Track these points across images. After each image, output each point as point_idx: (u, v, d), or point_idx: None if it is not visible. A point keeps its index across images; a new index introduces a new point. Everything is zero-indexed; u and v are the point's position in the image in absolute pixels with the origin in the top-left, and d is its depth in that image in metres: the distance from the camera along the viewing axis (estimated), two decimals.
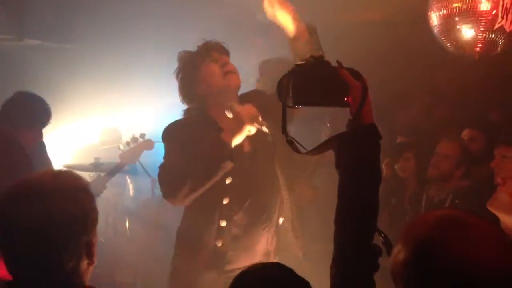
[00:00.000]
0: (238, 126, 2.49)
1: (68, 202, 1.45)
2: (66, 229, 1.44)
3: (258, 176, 2.69)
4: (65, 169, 1.55)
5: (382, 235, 1.56)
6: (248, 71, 3.93)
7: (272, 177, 2.76)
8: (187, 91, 2.72)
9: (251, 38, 5.33)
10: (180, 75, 2.74)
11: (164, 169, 2.58)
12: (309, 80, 1.63)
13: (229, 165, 2.47)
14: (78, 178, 1.55)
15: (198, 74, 2.67)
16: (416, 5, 3.34)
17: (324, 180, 4.19)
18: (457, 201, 3.55)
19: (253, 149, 2.68)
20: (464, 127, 4.02)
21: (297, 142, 1.68)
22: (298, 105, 1.67)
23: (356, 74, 1.63)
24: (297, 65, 1.66)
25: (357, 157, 1.57)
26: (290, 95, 1.64)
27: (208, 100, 2.67)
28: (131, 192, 5.06)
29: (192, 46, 2.77)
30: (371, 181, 1.58)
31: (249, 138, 2.56)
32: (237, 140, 2.51)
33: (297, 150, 1.68)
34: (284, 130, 1.68)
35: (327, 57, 1.69)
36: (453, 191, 3.63)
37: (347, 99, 1.60)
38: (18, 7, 4.85)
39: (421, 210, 3.88)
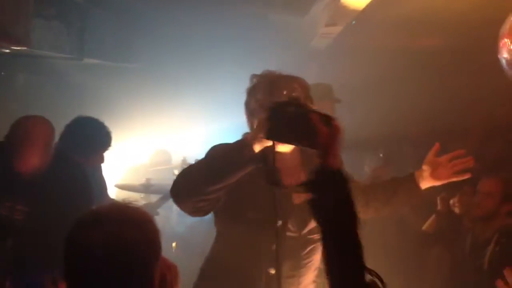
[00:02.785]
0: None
1: (137, 232, 1.46)
2: (135, 258, 1.45)
3: None
4: (131, 200, 1.54)
5: (372, 273, 1.58)
6: None
7: None
8: None
9: (305, 63, 5.32)
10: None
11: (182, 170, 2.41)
12: (282, 119, 1.76)
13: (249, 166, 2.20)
14: (144, 212, 1.55)
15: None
16: (484, 35, 3.23)
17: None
18: (503, 240, 3.39)
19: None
20: None
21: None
22: (270, 139, 1.82)
23: (326, 120, 1.68)
24: (275, 103, 1.81)
25: (328, 203, 1.60)
26: (265, 129, 1.81)
27: None
28: (176, 215, 5.05)
29: (249, 70, 2.70)
30: (350, 222, 1.60)
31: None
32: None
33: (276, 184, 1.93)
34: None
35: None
36: (499, 229, 3.47)
37: (315, 143, 1.66)
38: (80, 27, 4.98)
39: (466, 250, 3.73)
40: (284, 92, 2.28)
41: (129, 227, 1.46)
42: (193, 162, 3.87)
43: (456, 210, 3.96)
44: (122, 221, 1.47)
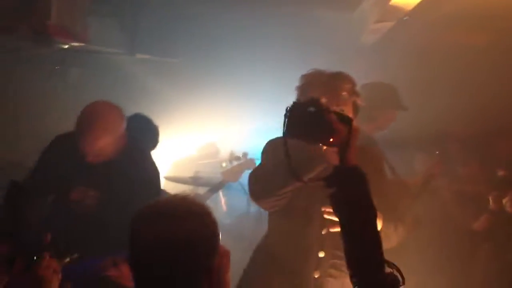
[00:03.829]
0: None
1: (199, 224, 1.50)
2: (198, 250, 1.49)
3: None
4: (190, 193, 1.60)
5: (392, 266, 1.68)
6: None
7: None
8: None
9: (353, 60, 5.29)
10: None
11: (255, 169, 2.58)
12: (301, 117, 1.86)
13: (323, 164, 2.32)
14: (202, 204, 1.59)
15: None
16: None
17: (425, 210, 4.07)
18: None
19: None
20: None
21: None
22: (289, 137, 1.90)
23: (345, 119, 1.82)
24: (294, 102, 1.91)
25: (346, 199, 1.71)
26: (285, 127, 1.88)
27: None
28: (224, 207, 5.13)
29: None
30: (367, 217, 1.70)
31: None
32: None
33: (298, 179, 2.00)
34: (288, 157, 1.91)
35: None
36: None
37: (332, 141, 1.80)
38: (132, 23, 5.11)
39: None
40: (339, 92, 2.41)
41: (191, 220, 1.50)
42: (241, 155, 3.97)
43: (509, 209, 3.90)
44: (184, 214, 1.51)
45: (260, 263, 2.72)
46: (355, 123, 1.83)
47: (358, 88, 3.84)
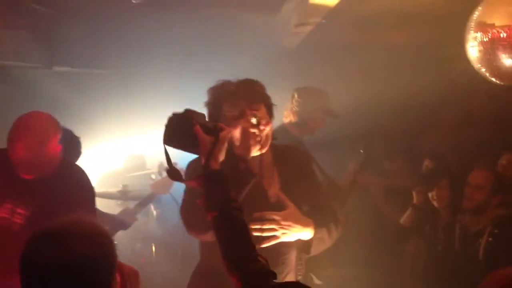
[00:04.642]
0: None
1: (89, 246, 1.47)
2: (86, 273, 1.46)
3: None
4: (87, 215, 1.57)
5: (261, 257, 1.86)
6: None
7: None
8: None
9: (278, 63, 5.33)
10: None
11: (183, 205, 2.53)
12: (174, 128, 2.08)
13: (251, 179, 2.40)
14: (97, 224, 1.57)
15: None
16: (453, 27, 3.28)
17: (355, 207, 4.14)
18: (496, 231, 3.47)
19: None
20: (501, 153, 3.93)
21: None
22: (166, 144, 2.09)
23: (211, 130, 2.05)
24: (173, 113, 2.10)
25: (212, 199, 1.96)
26: (163, 135, 2.09)
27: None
28: (156, 218, 5.03)
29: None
30: (233, 212, 1.93)
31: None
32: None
33: (176, 179, 2.14)
34: (168, 162, 2.11)
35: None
36: (491, 221, 3.54)
37: (198, 150, 2.05)
38: (48, 35, 4.92)
39: (455, 240, 3.79)
40: (250, 97, 2.43)
41: (83, 242, 1.47)
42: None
43: (435, 203, 4.02)
44: (75, 236, 1.48)
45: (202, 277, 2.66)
46: (224, 133, 2.05)
47: (291, 91, 3.90)
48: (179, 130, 2.07)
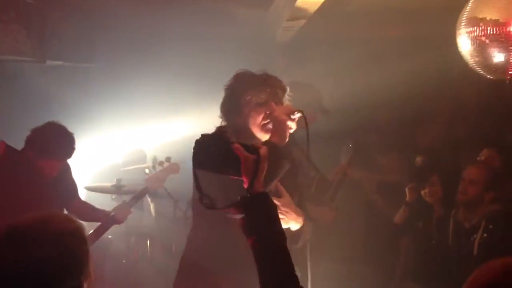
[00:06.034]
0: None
1: (52, 248, 1.38)
2: (49, 276, 1.37)
3: None
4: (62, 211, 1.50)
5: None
6: None
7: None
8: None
9: (271, 57, 5.33)
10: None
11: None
12: (207, 150, 1.87)
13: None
14: (69, 221, 1.48)
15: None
16: (445, 21, 3.29)
17: (344, 201, 4.15)
18: (490, 227, 3.50)
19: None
20: (482, 147, 3.97)
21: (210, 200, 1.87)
22: (198, 168, 1.89)
23: (251, 149, 1.84)
24: (202, 135, 1.92)
25: (257, 223, 1.74)
26: (193, 159, 1.89)
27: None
28: (152, 212, 5.04)
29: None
30: (276, 240, 1.73)
31: None
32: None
33: (210, 207, 1.87)
34: (199, 188, 1.87)
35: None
36: (485, 217, 3.57)
37: (239, 171, 1.82)
38: (40, 29, 4.89)
39: (449, 234, 3.82)
40: (276, 90, 2.59)
41: (46, 242, 1.38)
42: (164, 160, 3.89)
43: (428, 199, 4.05)
44: (39, 236, 1.39)
45: (186, 271, 2.70)
46: (263, 150, 1.86)
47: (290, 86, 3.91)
48: (213, 152, 1.88)
